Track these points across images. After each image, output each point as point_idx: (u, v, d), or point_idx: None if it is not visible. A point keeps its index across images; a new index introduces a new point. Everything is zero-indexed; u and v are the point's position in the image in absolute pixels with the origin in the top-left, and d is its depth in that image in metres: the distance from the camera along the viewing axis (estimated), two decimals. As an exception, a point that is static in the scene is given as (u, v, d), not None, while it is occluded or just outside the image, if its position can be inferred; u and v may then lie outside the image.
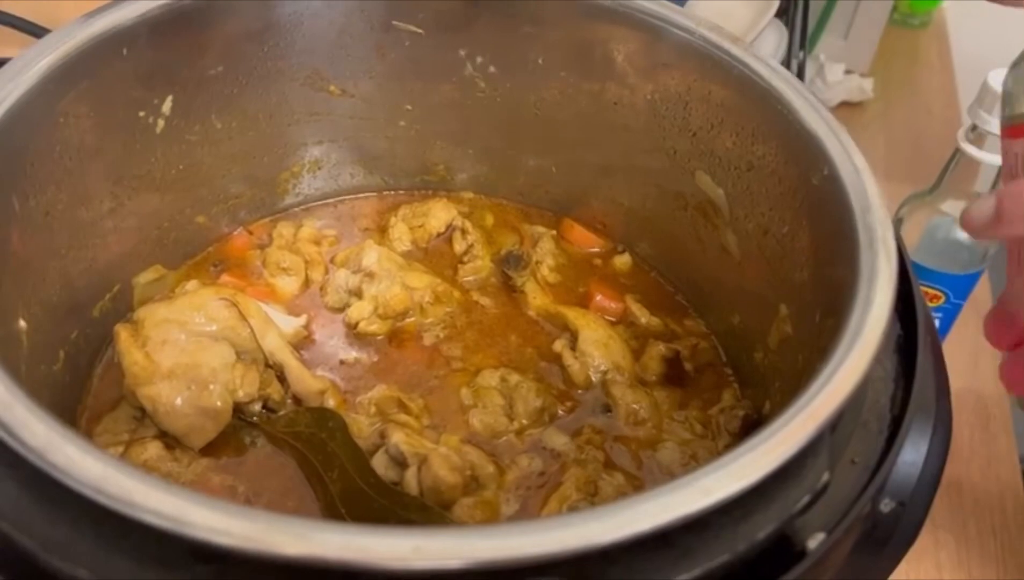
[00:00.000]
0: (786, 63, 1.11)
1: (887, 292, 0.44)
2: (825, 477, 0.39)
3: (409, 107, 0.74)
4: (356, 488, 0.54)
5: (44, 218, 0.55)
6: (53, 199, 0.56)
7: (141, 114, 0.61)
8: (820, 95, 1.44)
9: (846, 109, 1.45)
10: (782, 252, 0.59)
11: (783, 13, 1.11)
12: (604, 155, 0.72)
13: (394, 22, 0.68)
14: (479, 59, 0.71)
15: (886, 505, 0.46)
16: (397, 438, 0.55)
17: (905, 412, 0.46)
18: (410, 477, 0.54)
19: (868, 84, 1.46)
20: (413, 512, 0.52)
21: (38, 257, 0.55)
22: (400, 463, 0.55)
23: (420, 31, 0.69)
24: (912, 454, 0.47)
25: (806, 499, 0.38)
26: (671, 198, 0.70)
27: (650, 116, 0.67)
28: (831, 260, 0.51)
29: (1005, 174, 0.54)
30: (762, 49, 1.09)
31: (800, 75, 1.31)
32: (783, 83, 0.58)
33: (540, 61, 0.70)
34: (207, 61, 0.64)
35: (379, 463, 0.56)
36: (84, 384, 0.62)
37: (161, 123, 0.63)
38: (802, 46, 1.11)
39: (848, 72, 1.50)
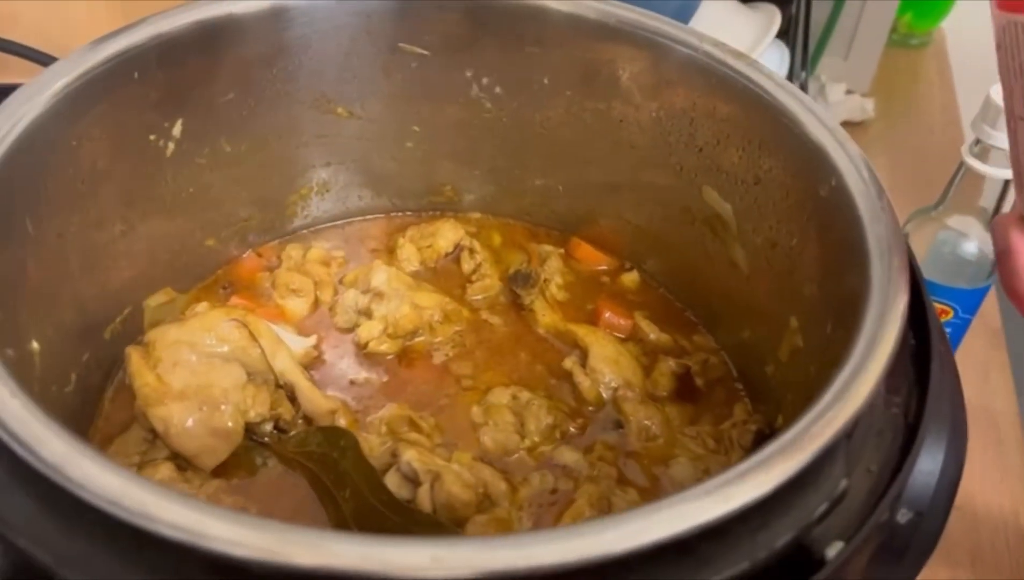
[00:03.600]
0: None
1: (901, 300, 0.44)
2: (843, 484, 0.39)
3: (416, 128, 0.75)
4: (369, 506, 0.54)
5: (57, 241, 0.55)
6: (66, 222, 0.56)
7: (152, 137, 0.62)
8: (822, 115, 1.45)
9: (848, 129, 1.44)
10: (791, 265, 0.59)
11: (784, 33, 1.12)
12: (610, 173, 0.73)
13: (400, 44, 0.69)
14: (485, 80, 0.71)
15: (903, 515, 0.46)
16: (409, 455, 0.55)
17: (920, 421, 0.46)
18: (423, 495, 0.54)
19: (869, 104, 1.46)
20: (426, 529, 0.52)
21: (52, 280, 0.55)
22: (413, 481, 0.55)
23: (426, 53, 0.70)
24: (928, 464, 0.47)
25: (824, 507, 0.38)
26: (678, 214, 0.70)
27: (656, 133, 0.68)
28: (841, 271, 0.51)
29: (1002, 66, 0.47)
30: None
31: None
32: (788, 96, 0.58)
33: (545, 81, 0.70)
34: (217, 85, 0.64)
35: (391, 481, 0.56)
36: (95, 406, 0.62)
37: (172, 146, 0.64)
38: (803, 65, 1.12)
39: (849, 92, 1.51)
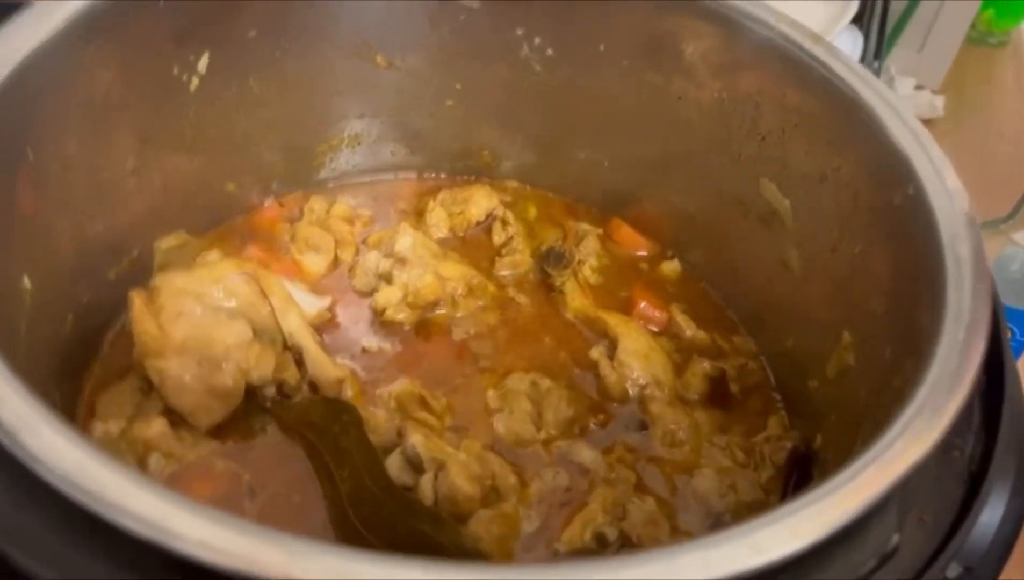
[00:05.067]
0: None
1: (980, 337, 0.39)
2: (895, 539, 0.34)
3: (458, 86, 0.70)
4: (366, 489, 0.50)
5: (62, 172, 0.52)
6: (73, 153, 0.52)
7: (175, 71, 0.58)
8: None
9: (914, 125, 1.38)
10: (851, 274, 0.54)
11: (859, 19, 1.05)
12: (662, 152, 0.67)
13: (451, -6, 0.64)
14: (537, 40, 0.66)
15: (952, 570, 0.42)
16: (416, 440, 0.51)
17: (987, 470, 0.41)
18: (425, 483, 0.50)
19: (939, 101, 1.38)
20: (424, 522, 0.48)
21: (50, 212, 0.51)
22: (416, 467, 0.51)
23: (476, 5, 0.65)
24: (987, 516, 0.42)
25: (872, 563, 0.34)
26: (731, 205, 0.65)
27: (716, 115, 0.62)
28: (911, 291, 0.46)
29: None
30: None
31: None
32: (868, 90, 0.52)
33: (601, 47, 0.65)
34: (249, 19, 0.60)
35: (393, 464, 0.52)
36: (94, 350, 0.59)
37: (196, 81, 0.59)
38: (877, 55, 1.05)
39: (919, 87, 1.43)
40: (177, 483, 0.53)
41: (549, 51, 0.67)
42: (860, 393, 0.50)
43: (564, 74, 0.67)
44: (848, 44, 1.05)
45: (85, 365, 0.58)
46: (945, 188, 0.47)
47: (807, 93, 0.56)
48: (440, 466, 0.50)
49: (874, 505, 0.33)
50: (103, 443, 0.54)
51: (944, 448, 0.42)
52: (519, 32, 0.66)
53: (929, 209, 0.46)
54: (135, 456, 0.54)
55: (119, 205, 0.58)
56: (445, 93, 0.70)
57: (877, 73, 1.03)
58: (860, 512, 0.33)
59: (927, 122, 1.39)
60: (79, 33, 0.49)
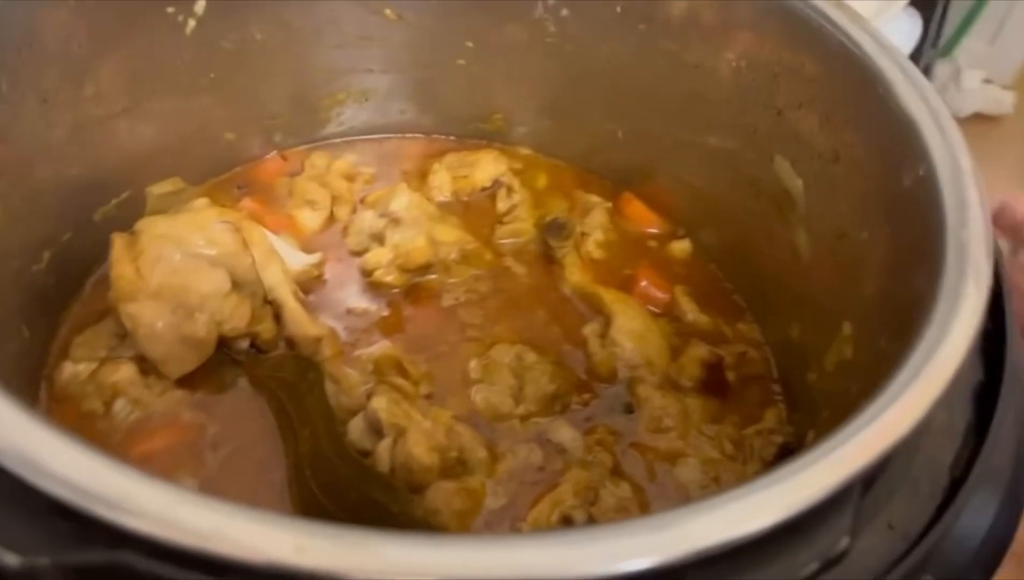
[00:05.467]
0: (914, 58, 0.99)
1: (969, 324, 0.35)
2: (843, 543, 0.31)
3: (470, 44, 0.67)
4: (323, 451, 0.49)
5: (40, 106, 0.51)
6: (54, 87, 0.51)
7: (170, 11, 0.57)
8: (951, 103, 1.30)
9: (978, 121, 1.31)
10: (856, 261, 0.50)
11: (920, 2, 0.99)
12: (676, 125, 0.64)
13: (462, -55, 0.61)
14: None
15: (924, 581, 0.38)
16: (378, 403, 0.49)
17: (969, 475, 0.37)
18: (383, 449, 0.48)
19: (1008, 97, 1.31)
20: (377, 490, 0.46)
21: (25, 146, 0.50)
22: (377, 431, 0.49)
23: (490, -41, 0.62)
24: (971, 525, 0.38)
25: (813, 566, 0.30)
26: (744, 183, 0.61)
27: (733, 85, 0.59)
28: (909, 275, 0.42)
29: None
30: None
31: (927, 74, 1.18)
32: (889, 62, 0.48)
33: (618, 9, 0.62)
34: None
35: (356, 427, 0.50)
36: (75, 290, 0.58)
37: (192, 23, 0.58)
38: (935, 42, 0.99)
39: (987, 81, 1.35)
40: (140, 430, 0.53)
41: (564, 11, 0.63)
42: (852, 389, 0.46)
43: (579, 37, 0.64)
44: (905, 28, 0.99)
45: (64, 305, 0.57)
46: (957, 168, 0.42)
47: (826, 63, 0.52)
48: (400, 433, 0.48)
49: (823, 502, 0.30)
50: (70, 384, 0.53)
51: (928, 451, 0.38)
52: (534, -11, 0.63)
53: (938, 190, 0.42)
54: (102, 400, 0.53)
55: (107, 145, 0.57)
56: (456, 51, 0.68)
57: (932, 61, 0.97)
58: (804, 508, 0.30)
59: (993, 118, 1.33)
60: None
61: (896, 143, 0.46)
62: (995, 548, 0.39)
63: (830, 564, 0.31)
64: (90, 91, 0.54)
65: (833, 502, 0.31)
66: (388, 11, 0.65)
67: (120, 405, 0.53)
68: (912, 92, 0.47)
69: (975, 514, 0.38)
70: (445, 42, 0.67)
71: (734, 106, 0.59)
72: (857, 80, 0.50)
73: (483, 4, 0.64)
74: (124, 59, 0.55)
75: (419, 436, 0.48)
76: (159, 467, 0.51)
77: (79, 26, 0.51)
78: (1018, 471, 0.40)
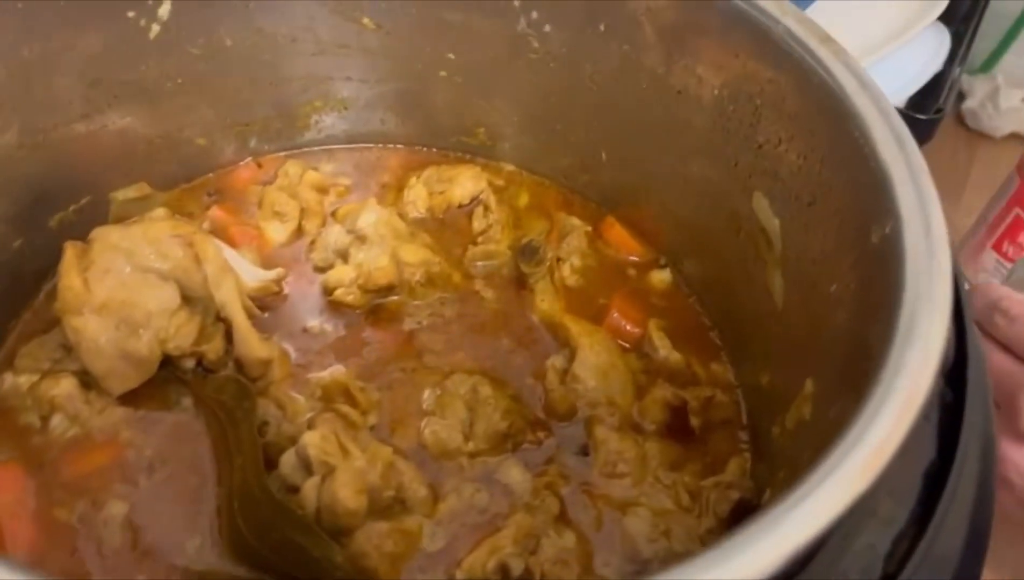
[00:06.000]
0: (942, 76, 0.94)
1: (910, 413, 0.32)
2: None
3: (451, 56, 0.65)
4: (251, 486, 0.47)
5: (-15, 109, 0.49)
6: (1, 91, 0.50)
7: (131, 15, 0.55)
8: (988, 122, 1.25)
9: (1015, 142, 1.25)
10: (824, 315, 0.47)
11: (951, 17, 0.94)
12: (660, 150, 0.61)
13: (441, -45, 0.59)
14: (534, 14, 0.60)
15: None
16: (309, 439, 0.47)
17: (904, 569, 0.34)
18: (309, 488, 0.46)
19: (1050, 116, 1.24)
20: (299, 533, 0.45)
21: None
22: (307, 467, 0.48)
23: (470, -31, 0.59)
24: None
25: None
26: (725, 217, 0.58)
27: (716, 114, 0.56)
28: (867, 341, 0.39)
29: None
30: (915, 55, 0.93)
31: (954, 93, 1.13)
32: (868, 101, 0.45)
33: (602, 28, 0.59)
34: (217, -34, 0.56)
35: (287, 461, 0.48)
36: (28, 298, 0.57)
37: (156, 28, 0.56)
38: (963, 59, 0.94)
39: (1029, 99, 1.29)
40: (76, 448, 0.51)
41: (547, 27, 0.61)
42: (804, 456, 0.43)
43: (563, 54, 0.61)
44: (932, 45, 0.94)
45: (14, 312, 0.57)
46: (927, 230, 0.39)
47: (806, 99, 0.49)
48: (330, 471, 0.46)
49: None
50: (9, 396, 0.52)
51: (861, 540, 0.36)
52: (516, 3, 0.60)
53: (901, 253, 0.39)
54: (39, 414, 0.52)
55: (63, 151, 0.56)
56: (438, 63, 0.65)
57: (957, 79, 0.92)
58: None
59: (1033, 140, 1.26)
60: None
61: (869, 193, 0.43)
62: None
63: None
64: (40, 94, 0.53)
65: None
66: (366, 20, 0.63)
67: (57, 420, 0.52)
68: (890, 138, 0.43)
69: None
70: (426, 53, 0.65)
71: (717, 135, 0.56)
72: (835, 120, 0.46)
73: (464, 15, 0.62)
74: (79, 64, 0.54)
75: (347, 477, 0.46)
76: (91, 488, 0.50)
77: (31, 28, 0.50)
78: (968, 562, 0.37)
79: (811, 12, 0.85)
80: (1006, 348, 0.52)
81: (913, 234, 0.39)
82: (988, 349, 0.51)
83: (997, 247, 0.90)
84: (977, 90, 1.27)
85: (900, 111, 0.80)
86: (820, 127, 0.48)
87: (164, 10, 0.56)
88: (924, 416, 0.35)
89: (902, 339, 0.36)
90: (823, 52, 0.48)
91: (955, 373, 0.40)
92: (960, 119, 1.27)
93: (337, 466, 0.46)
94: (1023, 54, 1.28)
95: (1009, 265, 0.91)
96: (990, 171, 0.92)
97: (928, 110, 0.89)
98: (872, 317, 0.40)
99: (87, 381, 0.53)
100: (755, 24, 0.50)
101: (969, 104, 1.25)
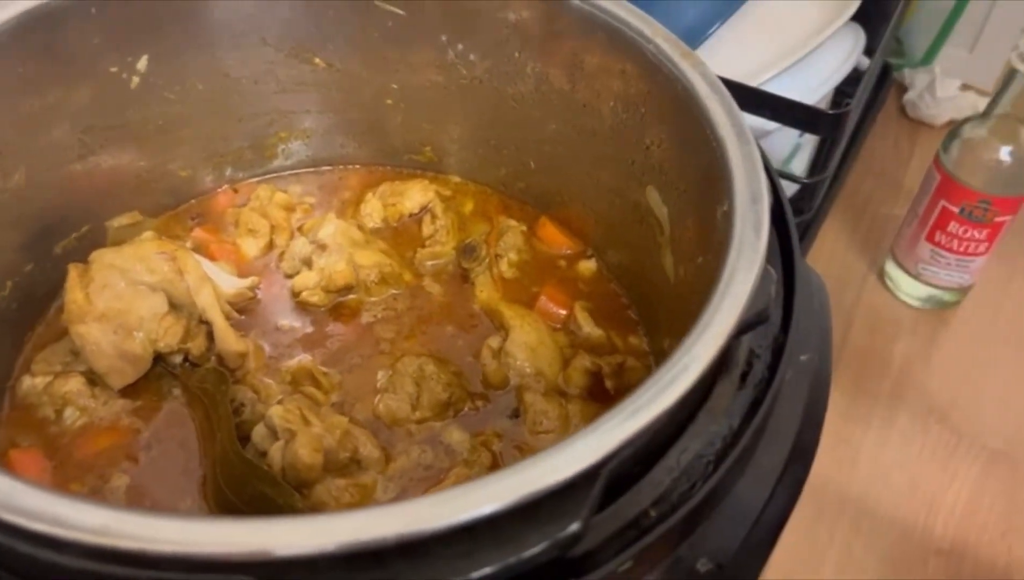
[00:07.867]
0: (858, 75, 1.03)
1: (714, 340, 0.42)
2: (573, 527, 0.37)
3: (395, 86, 0.75)
4: (227, 452, 0.57)
5: (-3, 158, 0.60)
6: (8, 140, 0.60)
7: (113, 70, 0.65)
8: (926, 112, 1.33)
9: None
10: (701, 285, 0.56)
11: (863, 15, 1.03)
12: (575, 157, 0.70)
13: (375, 1, 0.69)
14: (460, 46, 0.70)
15: (703, 564, 0.44)
16: (275, 411, 0.57)
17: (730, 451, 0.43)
18: (275, 451, 0.56)
19: (984, 102, 1.33)
20: (267, 486, 0.54)
21: (-15, 192, 0.59)
22: (274, 435, 0.57)
23: (401, 12, 0.69)
24: (749, 498, 0.44)
25: (542, 546, 0.36)
26: (631, 209, 0.67)
27: (613, 122, 0.65)
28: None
29: None
30: (833, 53, 1.02)
31: (881, 87, 1.22)
32: (717, 104, 0.54)
33: (517, 55, 0.68)
34: (185, 26, 0.66)
35: (259, 432, 0.58)
36: (39, 314, 0.67)
37: (136, 80, 0.66)
38: (874, 50, 1.03)
39: (966, 88, 1.38)
40: (86, 434, 0.61)
41: (471, 56, 0.71)
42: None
43: (486, 79, 0.71)
44: (848, 43, 1.03)
45: (29, 327, 0.67)
46: (754, 203, 0.48)
47: (675, 106, 0.58)
48: (292, 436, 0.56)
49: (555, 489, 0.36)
50: (28, 395, 0.62)
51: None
52: (443, 38, 0.70)
53: (734, 224, 0.48)
54: (53, 408, 0.62)
55: (64, 188, 0.66)
56: (384, 93, 0.75)
57: (874, 69, 1.00)
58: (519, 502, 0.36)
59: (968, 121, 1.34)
60: (15, 35, 0.56)
61: (717, 178, 0.52)
62: (769, 528, 0.45)
63: (562, 547, 0.37)
64: (43, 142, 0.63)
65: (565, 491, 0.37)
66: (318, 60, 0.73)
67: (69, 412, 0.62)
68: (732, 133, 0.53)
69: (755, 484, 0.44)
70: (372, 85, 0.75)
71: (616, 142, 0.65)
72: (694, 120, 0.55)
73: (401, 52, 0.72)
74: (73, 114, 0.64)
75: (306, 439, 0.55)
76: (99, 465, 0.60)
77: (26, 89, 0.60)
78: (804, 436, 0.46)
79: (740, 13, 0.94)
80: None
81: (742, 208, 0.49)
82: None
83: (930, 238, 0.98)
84: (917, 82, 1.35)
85: (811, 108, 0.89)
86: (685, 127, 0.57)
87: (142, 64, 0.66)
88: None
89: (723, 287, 0.45)
90: (684, 64, 0.57)
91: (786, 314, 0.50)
92: (902, 110, 1.35)
93: (298, 431, 0.56)
94: (960, 47, 1.37)
95: (945, 254, 0.98)
96: (930, 157, 1.01)
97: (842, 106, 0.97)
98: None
99: (93, 379, 0.63)
100: (631, 43, 0.60)
101: (910, 96, 1.34)
